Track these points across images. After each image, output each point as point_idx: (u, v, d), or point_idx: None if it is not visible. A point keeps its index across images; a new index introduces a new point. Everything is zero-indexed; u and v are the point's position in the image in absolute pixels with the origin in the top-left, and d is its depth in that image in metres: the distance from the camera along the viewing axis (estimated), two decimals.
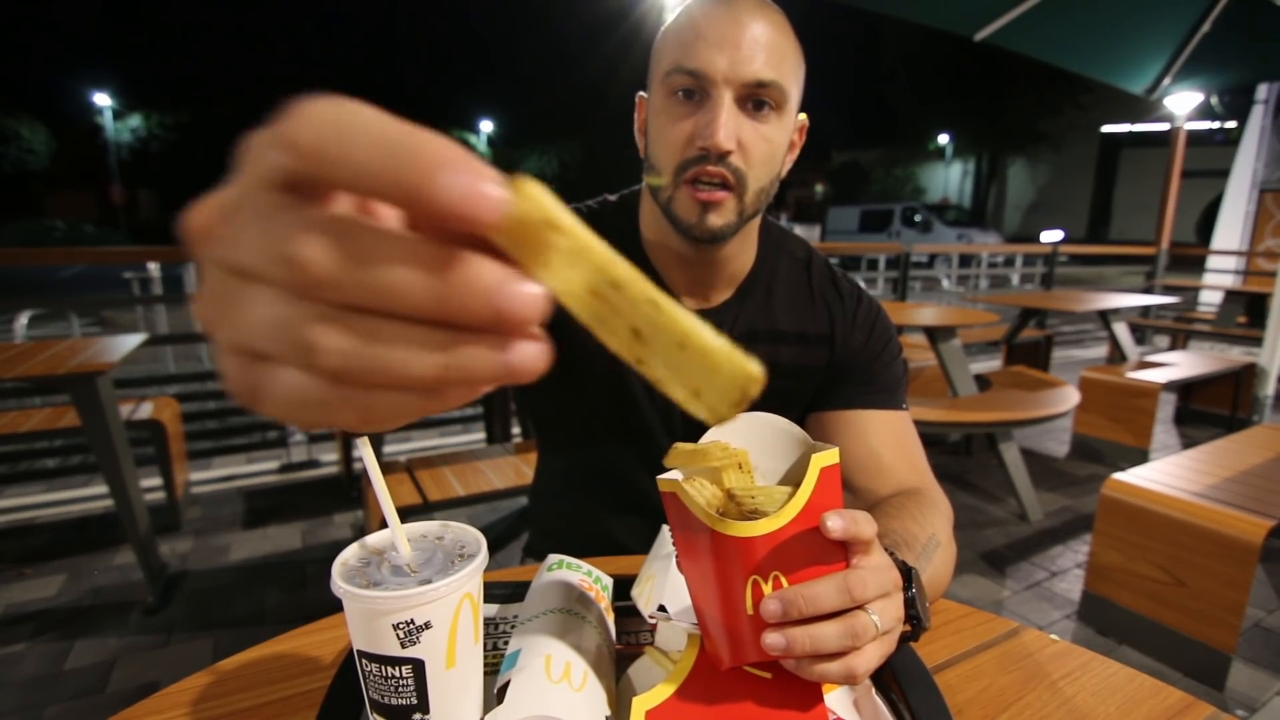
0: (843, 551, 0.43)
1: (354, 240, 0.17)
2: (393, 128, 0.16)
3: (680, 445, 0.44)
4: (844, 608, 0.41)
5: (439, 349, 0.18)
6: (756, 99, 0.66)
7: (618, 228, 0.80)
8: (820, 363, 0.80)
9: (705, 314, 0.79)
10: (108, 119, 28.22)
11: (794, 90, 0.69)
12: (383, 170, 0.16)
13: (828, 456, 0.43)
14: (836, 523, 0.41)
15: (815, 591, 0.41)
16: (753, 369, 0.21)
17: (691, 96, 0.67)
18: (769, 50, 0.65)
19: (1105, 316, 3.54)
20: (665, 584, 0.49)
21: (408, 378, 0.18)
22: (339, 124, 0.16)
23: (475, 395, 0.20)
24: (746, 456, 0.45)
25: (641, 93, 0.75)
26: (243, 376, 0.19)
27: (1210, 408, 3.81)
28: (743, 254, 0.78)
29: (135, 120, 29.09)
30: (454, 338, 0.18)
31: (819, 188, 32.44)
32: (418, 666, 0.39)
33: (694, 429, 0.49)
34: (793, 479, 0.43)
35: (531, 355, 0.19)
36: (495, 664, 0.48)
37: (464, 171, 0.16)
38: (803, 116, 0.75)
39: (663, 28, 0.71)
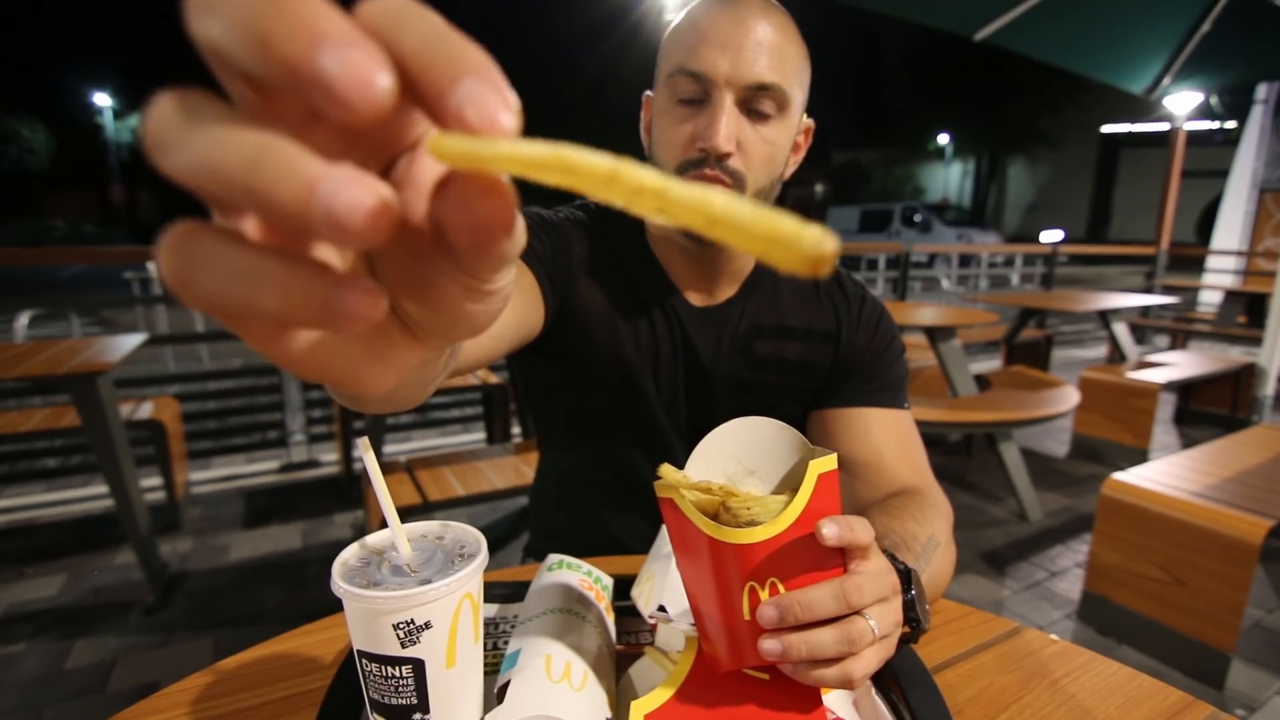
0: (840, 557, 0.43)
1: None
2: None
3: (669, 473, 0.44)
4: (840, 613, 0.41)
5: (260, 257, 0.15)
6: (758, 102, 0.66)
7: (623, 224, 0.80)
8: (825, 359, 0.80)
9: (711, 310, 0.79)
10: (108, 119, 28.24)
11: (798, 93, 0.69)
12: (245, 30, 0.13)
13: (826, 463, 0.43)
14: (831, 530, 0.41)
15: (811, 598, 0.41)
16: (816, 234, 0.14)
17: (694, 98, 0.67)
18: (772, 53, 0.65)
19: (1105, 316, 3.54)
20: (665, 584, 0.49)
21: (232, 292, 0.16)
22: None
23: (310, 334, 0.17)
24: (734, 489, 0.45)
25: (648, 91, 0.75)
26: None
27: (1210, 408, 3.81)
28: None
29: (135, 120, 29.08)
30: (282, 258, 0.15)
31: (819, 187, 32.45)
32: (418, 666, 0.39)
33: (702, 427, 0.49)
34: (791, 484, 0.43)
35: (354, 300, 0.16)
36: (495, 664, 0.48)
37: (346, 47, 0.13)
38: (809, 120, 0.75)
39: (669, 27, 0.71)
